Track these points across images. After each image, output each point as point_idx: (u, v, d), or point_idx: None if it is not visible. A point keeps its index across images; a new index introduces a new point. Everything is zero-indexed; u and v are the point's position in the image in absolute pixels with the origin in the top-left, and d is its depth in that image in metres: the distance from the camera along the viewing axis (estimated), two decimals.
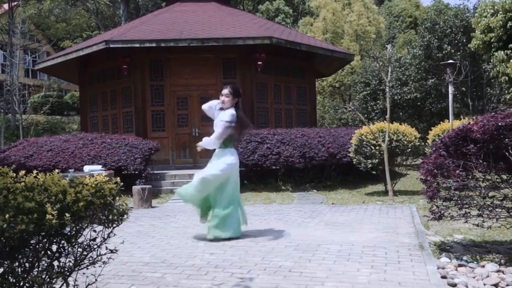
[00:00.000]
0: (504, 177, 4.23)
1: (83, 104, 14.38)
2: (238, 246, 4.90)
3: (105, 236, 2.93)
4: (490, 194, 4.19)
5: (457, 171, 4.14)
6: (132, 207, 7.21)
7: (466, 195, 4.25)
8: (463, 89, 15.58)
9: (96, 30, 32.00)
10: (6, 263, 2.35)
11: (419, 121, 16.82)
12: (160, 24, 12.98)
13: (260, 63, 11.96)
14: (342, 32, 24.51)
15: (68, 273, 2.73)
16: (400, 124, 9.53)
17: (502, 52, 11.23)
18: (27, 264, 2.50)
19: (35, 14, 26.38)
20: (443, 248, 4.65)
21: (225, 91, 5.50)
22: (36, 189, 2.54)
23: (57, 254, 2.65)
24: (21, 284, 2.44)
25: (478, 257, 4.28)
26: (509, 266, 4.00)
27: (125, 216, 2.97)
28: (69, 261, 2.74)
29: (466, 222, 4.38)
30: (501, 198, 4.19)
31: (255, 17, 17.13)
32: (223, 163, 5.30)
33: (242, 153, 9.82)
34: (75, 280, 2.85)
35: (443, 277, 3.71)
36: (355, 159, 9.32)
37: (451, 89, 9.92)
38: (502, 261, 4.14)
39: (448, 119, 10.38)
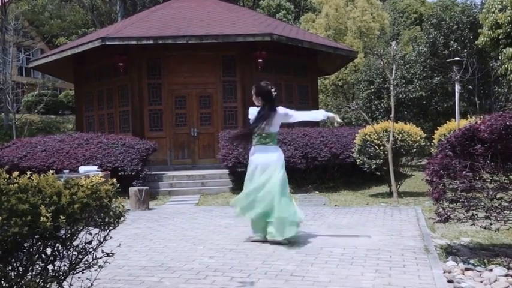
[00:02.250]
0: None
1: (78, 103, 14.39)
2: (238, 250, 4.90)
3: (101, 239, 2.93)
4: (498, 196, 4.19)
5: (464, 172, 4.14)
6: (128, 209, 7.18)
7: (473, 196, 4.25)
8: (470, 87, 15.57)
9: (91, 27, 32.00)
10: None
11: (424, 120, 16.81)
12: (157, 20, 12.99)
13: (260, 61, 11.96)
14: (344, 29, 24.49)
15: (62, 278, 2.73)
16: (405, 123, 9.53)
17: (511, 49, 11.24)
18: (20, 268, 2.51)
19: (29, 10, 26.43)
20: (449, 251, 4.65)
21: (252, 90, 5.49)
22: (30, 191, 2.55)
23: (51, 258, 2.66)
24: None
25: (485, 260, 4.27)
26: None
27: (122, 218, 2.98)
28: (64, 265, 2.75)
29: (473, 224, 4.37)
30: (509, 200, 4.19)
31: (256, 13, 17.13)
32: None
33: (242, 154, 9.82)
34: (70, 284, 2.86)
35: (450, 281, 3.71)
36: (359, 160, 9.32)
37: (457, 87, 9.92)
38: (511, 264, 4.13)
39: (455, 118, 10.37)
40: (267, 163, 5.19)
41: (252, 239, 5.27)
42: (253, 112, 5.38)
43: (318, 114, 6.15)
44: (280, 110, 5.35)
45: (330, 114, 5.55)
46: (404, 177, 10.02)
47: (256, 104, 5.41)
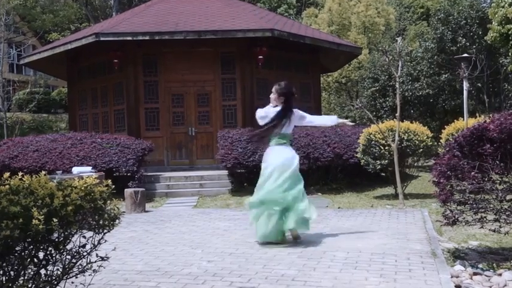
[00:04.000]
0: None
1: (71, 101, 14.40)
2: (238, 253, 4.91)
3: (96, 243, 2.94)
4: (508, 198, 4.19)
5: (472, 173, 4.14)
6: (124, 212, 7.18)
7: (481, 198, 4.25)
8: (479, 84, 15.57)
9: (85, 22, 32.01)
10: None
11: (431, 119, 16.82)
12: (154, 15, 12.99)
13: (261, 57, 11.96)
14: (348, 24, 24.50)
15: (55, 282, 2.74)
16: (411, 122, 9.53)
17: None
18: (12, 273, 2.51)
19: (20, 5, 26.38)
20: (457, 255, 4.65)
21: (273, 88, 5.70)
22: (22, 193, 2.55)
23: (44, 262, 2.66)
24: None
25: (494, 264, 4.28)
26: None
27: (117, 221, 2.98)
28: (57, 270, 2.75)
29: (482, 227, 4.38)
30: None
31: (256, 8, 17.14)
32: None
33: (242, 154, 9.83)
34: None
35: (458, 286, 3.72)
36: (363, 160, 9.32)
37: (465, 84, 9.92)
38: None
39: (463, 117, 10.37)
40: (286, 163, 5.34)
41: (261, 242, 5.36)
42: (268, 112, 5.56)
43: (331, 119, 6.16)
44: (297, 112, 5.61)
45: (341, 121, 5.97)
46: (410, 179, 10.02)
47: (275, 103, 5.58)
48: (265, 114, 5.58)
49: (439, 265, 4.24)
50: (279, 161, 5.34)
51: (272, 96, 5.63)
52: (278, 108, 5.54)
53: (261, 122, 5.64)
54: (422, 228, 5.95)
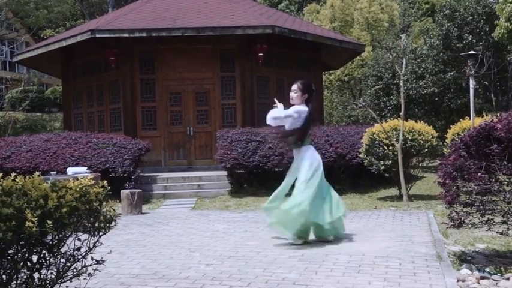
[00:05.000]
0: None
1: (66, 99, 14.40)
2: (238, 257, 4.91)
3: (91, 245, 2.94)
4: None
5: (479, 174, 4.13)
6: (120, 214, 7.21)
7: (489, 200, 4.25)
8: (486, 82, 15.57)
9: (80, 19, 32.03)
10: None
11: (437, 118, 16.81)
12: (151, 11, 12.99)
13: (261, 54, 11.96)
14: (351, 20, 24.50)
15: (49, 286, 2.73)
16: (416, 122, 9.53)
17: None
18: (4, 277, 2.51)
19: (13, 0, 26.42)
20: (463, 259, 4.65)
21: (294, 86, 5.66)
22: (15, 194, 2.55)
23: (37, 265, 2.66)
24: None
25: (502, 268, 4.27)
26: None
27: (113, 223, 2.98)
28: (51, 273, 2.75)
29: (489, 230, 4.37)
30: None
31: (256, 4, 17.14)
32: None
33: (242, 154, 9.83)
34: None
35: None
36: (366, 161, 9.32)
37: (472, 82, 9.92)
38: None
39: (469, 116, 10.37)
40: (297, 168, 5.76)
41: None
42: (300, 111, 5.55)
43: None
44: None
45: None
46: (415, 179, 10.02)
47: (297, 102, 5.59)
48: (298, 115, 5.56)
49: (444, 269, 4.24)
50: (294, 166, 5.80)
51: (294, 94, 5.60)
52: (306, 109, 5.58)
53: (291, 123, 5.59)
54: (427, 231, 5.95)
